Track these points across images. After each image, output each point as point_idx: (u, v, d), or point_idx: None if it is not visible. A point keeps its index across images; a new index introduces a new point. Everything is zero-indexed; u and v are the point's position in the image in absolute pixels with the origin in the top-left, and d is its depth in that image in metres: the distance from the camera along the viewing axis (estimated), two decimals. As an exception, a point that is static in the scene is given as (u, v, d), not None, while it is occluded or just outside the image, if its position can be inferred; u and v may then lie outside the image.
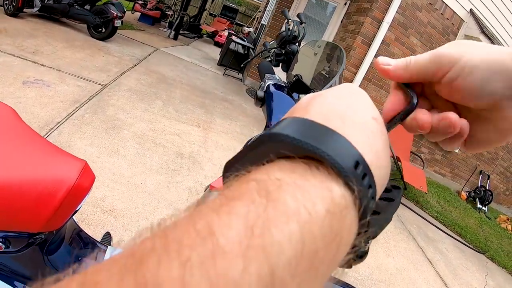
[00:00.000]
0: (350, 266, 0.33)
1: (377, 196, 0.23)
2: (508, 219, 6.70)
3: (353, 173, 0.20)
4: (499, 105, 0.27)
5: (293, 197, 0.17)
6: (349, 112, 0.24)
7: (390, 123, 0.31)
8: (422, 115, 0.30)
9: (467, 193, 6.95)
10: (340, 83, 0.75)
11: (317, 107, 0.24)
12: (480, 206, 6.69)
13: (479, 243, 4.75)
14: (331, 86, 0.70)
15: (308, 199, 0.17)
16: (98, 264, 0.14)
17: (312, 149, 0.19)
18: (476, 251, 4.55)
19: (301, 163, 0.20)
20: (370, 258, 2.81)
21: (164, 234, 0.15)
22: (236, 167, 0.23)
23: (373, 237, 0.29)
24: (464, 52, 0.28)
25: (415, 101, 0.30)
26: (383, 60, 0.32)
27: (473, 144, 0.32)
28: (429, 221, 4.56)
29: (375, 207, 0.29)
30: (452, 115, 0.29)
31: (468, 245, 4.60)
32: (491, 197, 6.78)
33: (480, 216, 6.24)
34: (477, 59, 0.27)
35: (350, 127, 0.22)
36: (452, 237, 4.54)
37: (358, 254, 0.35)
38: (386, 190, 0.35)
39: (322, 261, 0.17)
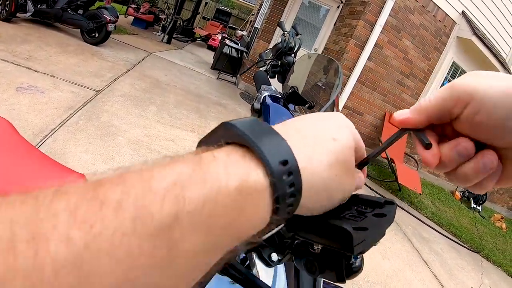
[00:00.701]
0: (344, 281, 0.34)
1: (307, 200, 0.26)
2: (502, 218, 6.77)
3: (276, 167, 0.23)
4: None
5: (217, 169, 0.21)
6: (309, 128, 0.28)
7: (363, 163, 0.35)
8: (425, 154, 0.30)
9: (461, 193, 7.01)
10: (337, 99, 0.77)
11: (291, 121, 0.29)
12: (475, 206, 6.76)
13: (474, 242, 4.80)
14: (333, 102, 0.71)
15: (226, 174, 0.21)
16: (68, 183, 0.18)
17: (249, 141, 0.23)
18: (471, 250, 4.60)
19: (240, 151, 0.24)
20: (365, 259, 2.81)
21: (120, 175, 0.20)
22: (205, 142, 0.27)
23: (363, 252, 0.30)
24: (481, 83, 0.26)
25: (426, 142, 0.31)
26: (398, 113, 0.32)
27: (504, 180, 0.30)
28: (424, 222, 4.60)
29: (364, 224, 0.30)
30: (462, 139, 0.28)
31: (463, 244, 4.64)
32: (485, 196, 6.85)
33: (475, 215, 6.30)
34: (498, 92, 0.25)
35: (299, 137, 0.27)
36: (447, 237, 4.58)
37: (353, 270, 0.37)
38: (379, 205, 0.36)
39: (222, 227, 0.20)
